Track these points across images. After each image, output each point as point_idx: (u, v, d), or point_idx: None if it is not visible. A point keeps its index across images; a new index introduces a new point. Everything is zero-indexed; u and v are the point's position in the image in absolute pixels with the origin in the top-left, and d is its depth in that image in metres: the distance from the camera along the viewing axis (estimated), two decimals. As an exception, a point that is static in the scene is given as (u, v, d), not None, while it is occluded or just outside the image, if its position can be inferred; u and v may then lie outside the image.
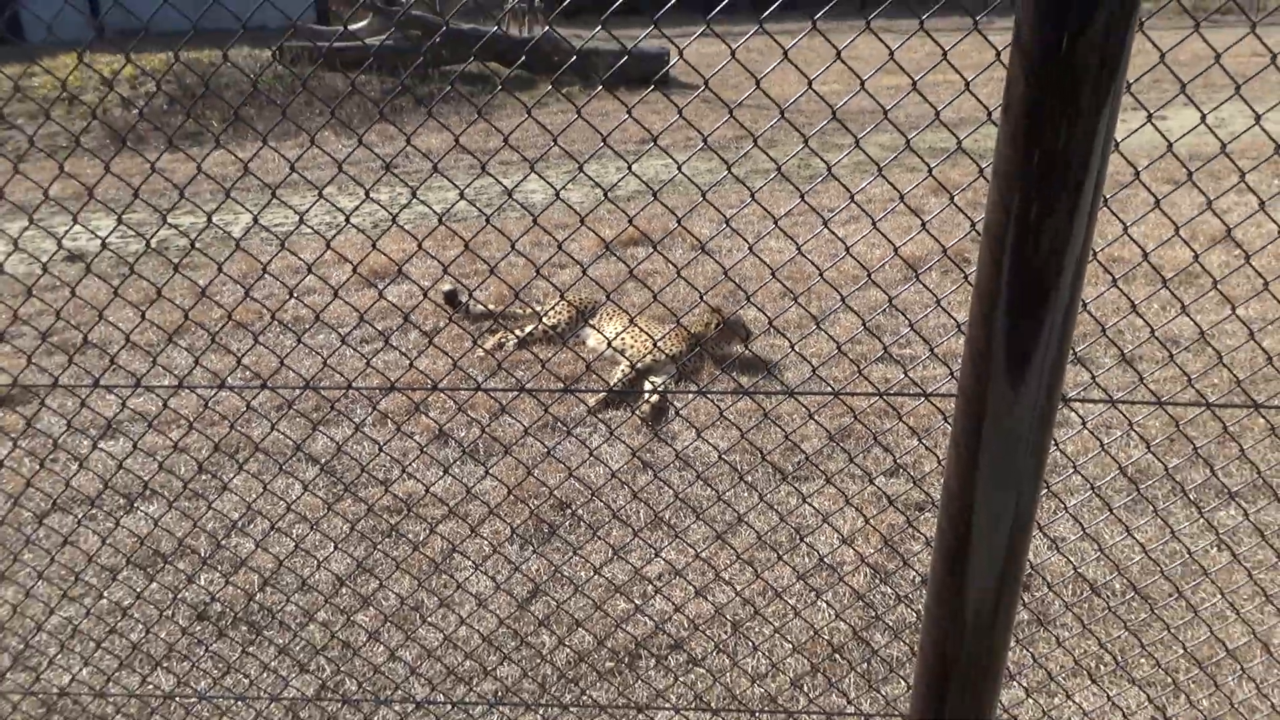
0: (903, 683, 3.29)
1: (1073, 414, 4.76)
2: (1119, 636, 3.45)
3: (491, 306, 6.32)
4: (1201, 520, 4.00)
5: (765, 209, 2.18)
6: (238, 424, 4.86)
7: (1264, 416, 3.33)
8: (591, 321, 5.91)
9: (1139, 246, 2.10)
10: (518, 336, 5.83)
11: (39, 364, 3.10)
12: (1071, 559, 3.81)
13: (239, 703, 3.25)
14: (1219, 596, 3.52)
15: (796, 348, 5.65)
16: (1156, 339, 2.05)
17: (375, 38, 14.03)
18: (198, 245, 8.34)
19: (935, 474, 4.45)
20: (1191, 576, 3.67)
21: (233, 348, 5.81)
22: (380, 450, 4.25)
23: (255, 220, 2.01)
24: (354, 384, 2.01)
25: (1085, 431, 4.12)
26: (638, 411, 5.13)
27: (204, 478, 4.49)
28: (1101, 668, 3.36)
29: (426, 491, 2.83)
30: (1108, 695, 3.17)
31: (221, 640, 3.54)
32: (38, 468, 3.29)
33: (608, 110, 12.15)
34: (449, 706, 3.27)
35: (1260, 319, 5.80)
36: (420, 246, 2.11)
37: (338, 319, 6.27)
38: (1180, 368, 2.30)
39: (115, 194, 9.11)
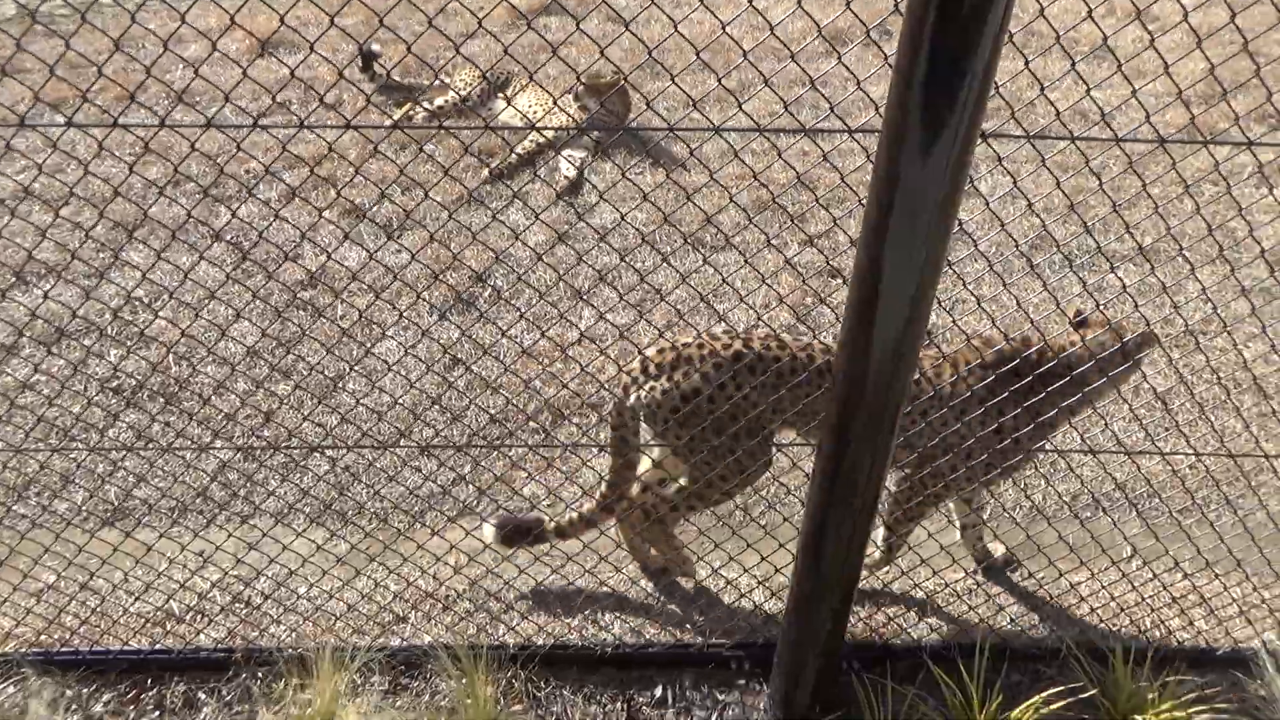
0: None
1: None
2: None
3: (398, 77, 5.97)
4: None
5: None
6: (132, 198, 4.61)
7: (1168, 153, 3.47)
8: (504, 93, 5.65)
9: (1051, 26, 2.07)
10: (427, 109, 5.56)
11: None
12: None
13: (162, 466, 3.27)
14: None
15: (717, 123, 5.54)
16: (1060, 122, 2.07)
17: None
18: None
19: (845, 246, 4.55)
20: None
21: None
22: (276, 217, 4.10)
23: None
24: (260, 122, 1.90)
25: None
26: (555, 186, 5.04)
27: (103, 254, 4.30)
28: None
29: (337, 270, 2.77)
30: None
31: (135, 411, 3.53)
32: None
33: None
34: (379, 451, 3.37)
35: (1168, 93, 5.89)
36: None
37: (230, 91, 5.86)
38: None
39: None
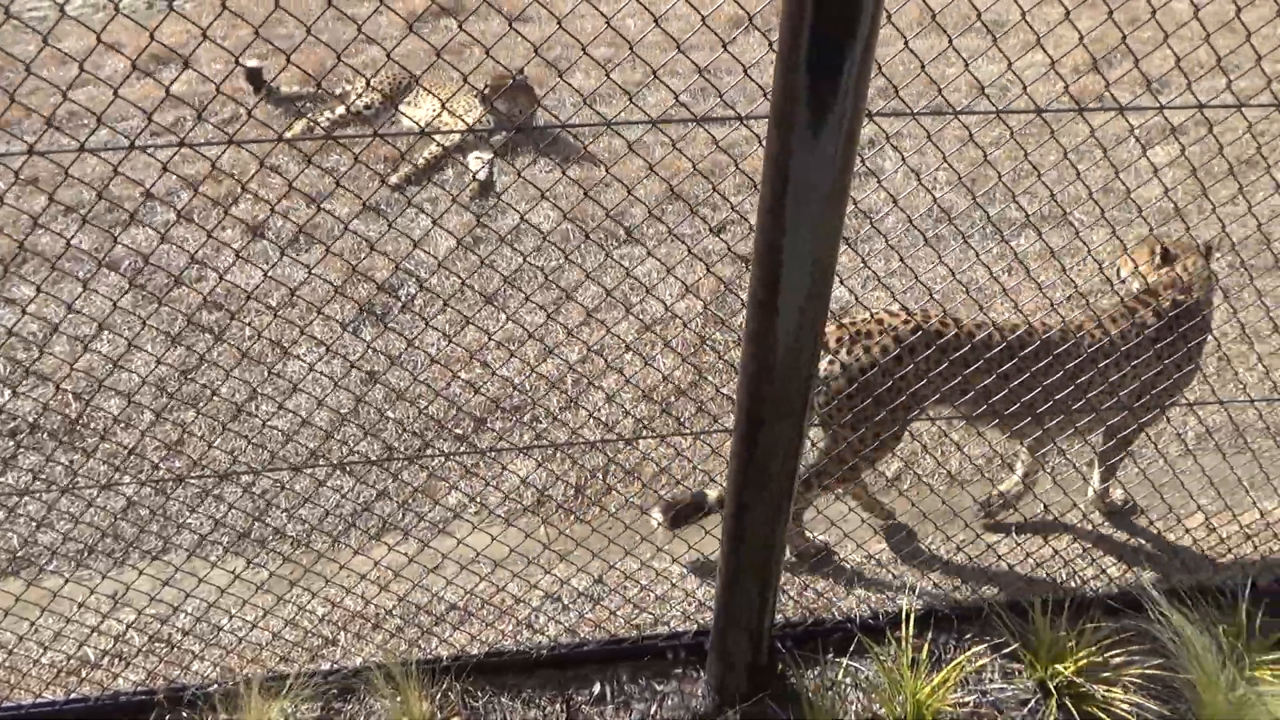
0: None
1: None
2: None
3: (298, 88, 5.83)
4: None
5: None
6: (17, 231, 4.42)
7: (1045, 121, 3.57)
8: (404, 101, 5.56)
9: (928, 5, 2.11)
10: (328, 119, 5.45)
11: None
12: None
13: (65, 508, 3.15)
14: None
15: (612, 119, 5.54)
16: (943, 97, 2.12)
17: None
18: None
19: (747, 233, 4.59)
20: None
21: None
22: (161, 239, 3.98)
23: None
24: (136, 143, 1.82)
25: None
26: (466, 190, 4.98)
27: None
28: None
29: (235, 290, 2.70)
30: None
31: (32, 453, 3.39)
32: None
33: None
34: (294, 474, 3.30)
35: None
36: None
37: (120, 115, 5.64)
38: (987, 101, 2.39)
39: None
